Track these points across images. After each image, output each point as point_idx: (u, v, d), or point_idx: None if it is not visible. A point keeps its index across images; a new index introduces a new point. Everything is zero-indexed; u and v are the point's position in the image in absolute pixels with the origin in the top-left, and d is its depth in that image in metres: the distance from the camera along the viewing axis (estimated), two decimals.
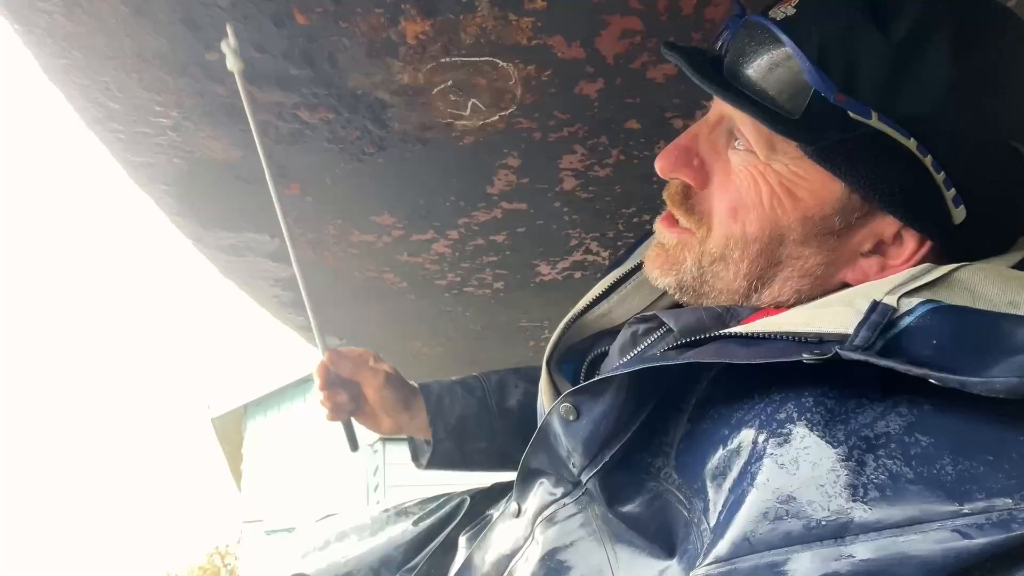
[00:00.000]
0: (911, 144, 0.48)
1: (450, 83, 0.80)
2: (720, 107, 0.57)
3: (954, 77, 0.48)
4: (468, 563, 0.69)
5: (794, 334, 0.47)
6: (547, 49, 0.75)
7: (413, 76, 0.79)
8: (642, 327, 0.65)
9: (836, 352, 0.42)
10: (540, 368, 0.96)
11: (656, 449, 0.54)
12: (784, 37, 0.50)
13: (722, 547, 0.42)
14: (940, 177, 0.49)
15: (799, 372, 0.44)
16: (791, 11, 0.52)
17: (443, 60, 0.76)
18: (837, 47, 0.49)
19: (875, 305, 0.45)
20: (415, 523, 0.89)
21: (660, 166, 0.58)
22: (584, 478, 0.58)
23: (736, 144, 0.56)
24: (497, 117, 0.86)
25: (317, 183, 1.01)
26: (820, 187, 0.52)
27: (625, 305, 0.73)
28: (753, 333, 0.50)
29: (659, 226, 0.62)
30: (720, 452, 0.47)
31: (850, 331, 0.44)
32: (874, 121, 0.48)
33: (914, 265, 0.52)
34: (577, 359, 0.78)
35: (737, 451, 0.46)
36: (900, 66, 0.48)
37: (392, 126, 0.88)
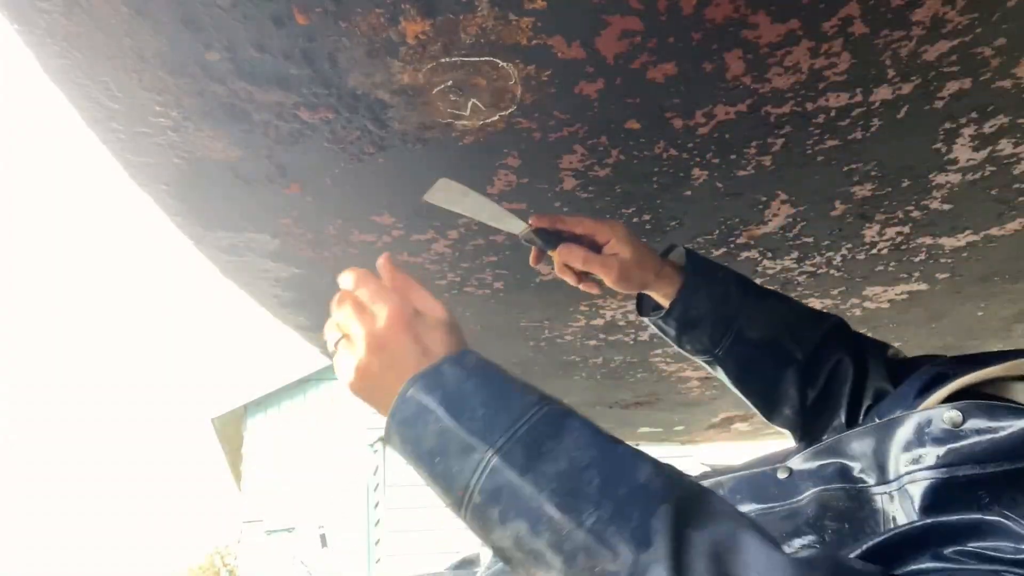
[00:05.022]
0: None
1: (450, 83, 0.80)
2: None
3: None
4: None
5: None
6: (547, 49, 0.75)
7: (413, 76, 0.79)
8: None
9: None
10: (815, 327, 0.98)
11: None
12: None
13: None
14: None
15: None
16: None
17: (443, 60, 0.76)
18: None
19: None
20: None
21: None
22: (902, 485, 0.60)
23: None
24: (497, 117, 0.86)
25: (317, 183, 1.01)
26: None
27: None
28: None
29: None
30: None
31: None
32: None
33: None
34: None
35: None
36: None
37: (392, 126, 0.88)
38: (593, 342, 1.69)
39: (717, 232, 1.21)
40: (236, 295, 1.41)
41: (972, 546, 0.50)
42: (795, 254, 1.30)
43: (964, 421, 0.59)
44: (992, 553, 0.49)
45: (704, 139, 0.94)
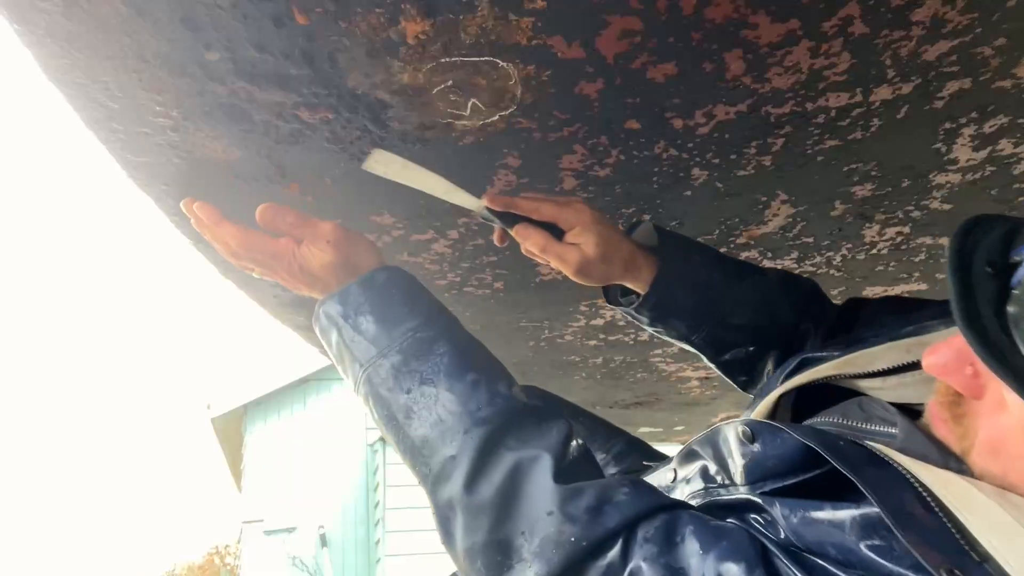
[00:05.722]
0: None
1: (450, 83, 0.80)
2: None
3: None
4: None
5: (971, 538, 0.45)
6: (547, 49, 0.75)
7: (413, 76, 0.79)
8: (882, 413, 0.64)
9: None
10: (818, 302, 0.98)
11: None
12: None
13: None
14: None
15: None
16: None
17: (443, 60, 0.76)
18: None
19: None
20: None
21: (929, 364, 0.53)
22: (742, 492, 0.63)
23: None
24: (497, 117, 0.86)
25: (317, 183, 1.01)
26: None
27: (899, 392, 0.66)
28: (934, 503, 0.48)
29: (931, 409, 0.58)
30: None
31: (1020, 574, 0.42)
32: None
33: None
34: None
35: None
36: None
37: (392, 126, 0.88)
38: (593, 342, 1.69)
39: (717, 232, 1.21)
40: (236, 295, 1.41)
41: (747, 515, 0.61)
42: (795, 254, 1.30)
43: (755, 438, 0.63)
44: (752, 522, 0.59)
45: (704, 139, 0.94)
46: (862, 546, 0.49)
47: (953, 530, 0.46)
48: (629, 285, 0.94)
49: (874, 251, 1.30)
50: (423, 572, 6.45)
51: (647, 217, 0.98)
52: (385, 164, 0.88)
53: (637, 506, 0.59)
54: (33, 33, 0.73)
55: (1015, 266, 0.47)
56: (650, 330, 0.98)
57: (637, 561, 0.55)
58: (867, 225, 1.21)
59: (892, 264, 1.36)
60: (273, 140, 0.90)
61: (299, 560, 7.25)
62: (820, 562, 0.51)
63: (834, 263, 1.35)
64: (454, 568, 0.88)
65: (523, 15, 0.70)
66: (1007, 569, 0.43)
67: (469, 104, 0.83)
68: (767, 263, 1.33)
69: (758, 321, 0.93)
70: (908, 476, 0.51)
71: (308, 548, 7.38)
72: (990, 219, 0.52)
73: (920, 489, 0.49)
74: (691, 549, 0.54)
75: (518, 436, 0.65)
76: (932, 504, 0.48)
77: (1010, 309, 0.46)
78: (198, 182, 1.01)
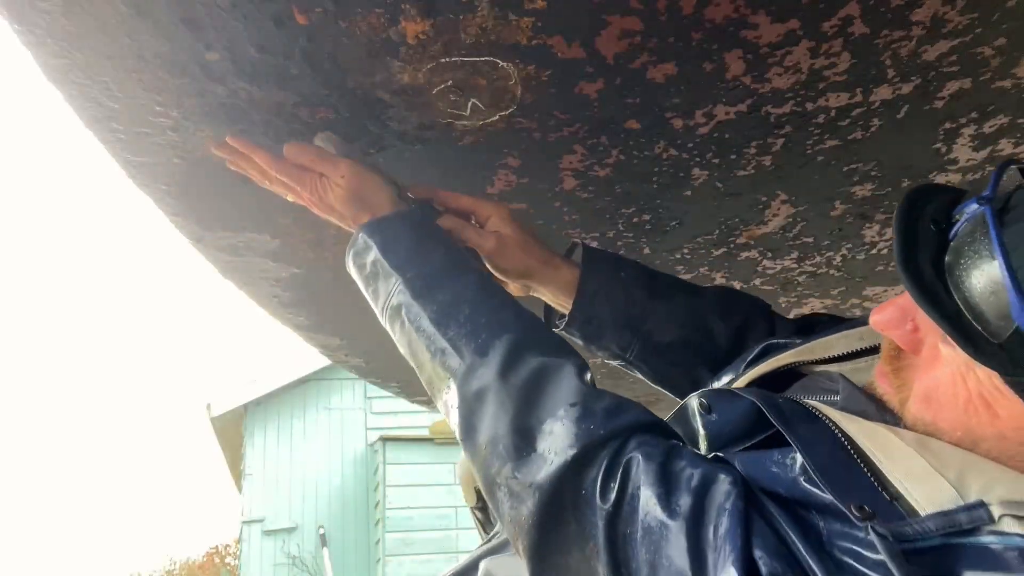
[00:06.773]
0: None
1: (450, 83, 0.80)
2: None
3: None
4: None
5: (884, 480, 0.50)
6: (547, 49, 0.75)
7: (413, 76, 0.79)
8: (827, 384, 0.70)
9: (869, 528, 0.46)
10: (732, 308, 0.97)
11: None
12: (1001, 261, 0.46)
13: None
14: None
15: None
16: None
17: (443, 60, 0.76)
18: None
19: (975, 507, 0.45)
20: None
21: (874, 320, 0.58)
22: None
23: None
24: (497, 117, 0.86)
25: None
26: (1022, 412, 0.49)
27: (855, 377, 0.70)
28: (854, 450, 0.53)
29: (876, 367, 0.63)
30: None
31: (926, 510, 0.46)
32: None
33: None
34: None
35: None
36: None
37: (392, 126, 0.88)
38: None
39: (717, 232, 1.21)
40: (236, 295, 1.42)
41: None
42: (795, 254, 1.30)
43: (712, 408, 0.68)
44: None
45: (704, 139, 0.94)
46: (801, 480, 0.53)
47: (868, 473, 0.51)
48: (550, 294, 0.95)
49: (874, 251, 1.30)
50: (423, 572, 6.45)
51: (579, 241, 0.98)
52: (329, 146, 0.89)
53: (650, 417, 0.65)
54: (33, 33, 0.73)
55: (956, 222, 0.52)
56: (590, 350, 0.97)
57: (635, 452, 0.59)
58: (867, 225, 1.21)
59: (892, 264, 1.36)
60: (273, 140, 0.90)
61: (299, 560, 7.25)
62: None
63: (834, 263, 1.35)
64: (452, 567, 0.88)
65: (523, 15, 0.70)
66: (915, 506, 0.47)
67: (469, 104, 0.83)
68: (767, 263, 1.33)
69: (689, 339, 0.93)
70: (833, 428, 0.56)
71: (308, 548, 7.39)
72: (939, 187, 0.57)
73: (843, 439, 0.55)
74: (684, 461, 0.59)
75: (545, 347, 0.71)
76: (852, 452, 0.54)
77: (947, 259, 0.51)
78: (198, 182, 1.01)
